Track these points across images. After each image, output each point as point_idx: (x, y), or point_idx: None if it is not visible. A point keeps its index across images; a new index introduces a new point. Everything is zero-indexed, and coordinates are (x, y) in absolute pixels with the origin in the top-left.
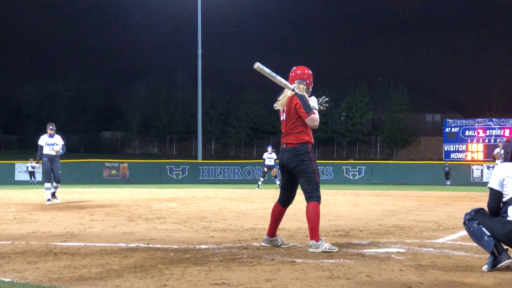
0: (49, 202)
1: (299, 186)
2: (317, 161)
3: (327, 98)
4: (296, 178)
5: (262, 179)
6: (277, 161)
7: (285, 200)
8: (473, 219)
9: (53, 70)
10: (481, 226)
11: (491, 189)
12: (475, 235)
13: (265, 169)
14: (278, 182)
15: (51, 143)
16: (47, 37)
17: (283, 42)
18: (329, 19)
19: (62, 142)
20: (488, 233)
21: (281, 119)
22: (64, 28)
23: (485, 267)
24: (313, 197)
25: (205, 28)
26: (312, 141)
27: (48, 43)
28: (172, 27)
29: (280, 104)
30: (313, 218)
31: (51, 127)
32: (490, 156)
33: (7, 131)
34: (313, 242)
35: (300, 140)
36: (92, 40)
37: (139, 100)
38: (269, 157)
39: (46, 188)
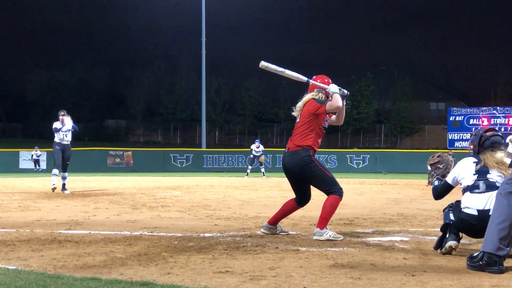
0: (54, 186)
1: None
2: (321, 149)
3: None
4: (304, 181)
5: (250, 167)
6: (265, 149)
7: (300, 201)
8: (450, 206)
9: (57, 58)
10: (450, 212)
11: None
12: (443, 217)
13: (251, 156)
14: (263, 170)
15: (65, 129)
16: (52, 25)
17: (287, 31)
18: (334, 9)
19: (72, 123)
20: (452, 218)
21: (296, 121)
22: (68, 16)
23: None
24: (334, 192)
25: (209, 16)
26: (316, 148)
27: (53, 31)
28: (176, 15)
29: (296, 111)
30: (327, 208)
31: (62, 113)
32: None
33: (12, 119)
34: (318, 229)
35: (303, 143)
36: (97, 28)
37: (143, 88)
38: (256, 150)
39: (53, 174)
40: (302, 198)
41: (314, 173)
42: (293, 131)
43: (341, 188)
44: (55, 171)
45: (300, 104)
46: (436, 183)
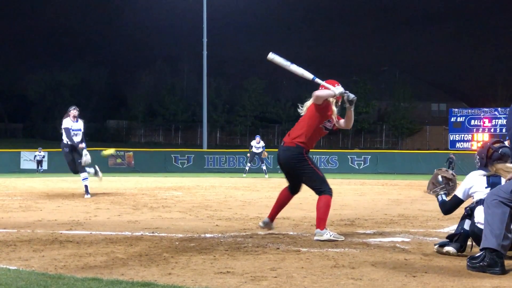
0: (88, 196)
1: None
2: (322, 150)
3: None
4: (296, 176)
5: (249, 164)
6: (267, 150)
7: (293, 188)
8: (470, 209)
9: (58, 58)
10: (467, 219)
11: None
12: (459, 222)
13: (248, 155)
14: (264, 167)
15: (76, 128)
16: (52, 26)
17: (290, 31)
18: (336, 9)
19: (82, 129)
20: (465, 228)
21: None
22: (69, 16)
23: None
24: (324, 191)
25: (211, 17)
26: (309, 146)
27: (54, 31)
28: (178, 15)
29: (304, 108)
30: (322, 208)
31: (74, 107)
32: None
33: (13, 120)
34: (318, 230)
35: (297, 140)
36: (98, 28)
37: (144, 89)
38: (257, 146)
39: (83, 179)
40: (294, 188)
41: (306, 171)
42: (318, 137)
43: (330, 188)
44: (84, 175)
45: (308, 103)
46: (444, 197)
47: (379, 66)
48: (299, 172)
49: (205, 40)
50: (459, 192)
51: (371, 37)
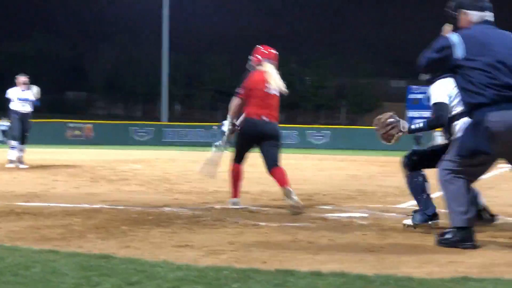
0: (11, 165)
1: None
2: (282, 125)
3: None
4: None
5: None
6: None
7: (242, 159)
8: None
9: (16, 29)
10: (425, 182)
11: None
12: (415, 189)
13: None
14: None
15: (24, 98)
16: None
17: (250, 4)
18: None
19: (35, 96)
20: (428, 192)
21: (271, 92)
22: None
23: (408, 221)
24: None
25: None
26: None
27: (11, 1)
28: None
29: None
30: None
31: (22, 74)
32: None
33: None
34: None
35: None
36: None
37: (104, 61)
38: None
39: (11, 147)
40: (243, 159)
41: (280, 144)
42: (269, 100)
43: None
44: (14, 143)
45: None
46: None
47: (340, 42)
48: (277, 144)
49: (165, 13)
50: (439, 98)
51: (332, 12)
